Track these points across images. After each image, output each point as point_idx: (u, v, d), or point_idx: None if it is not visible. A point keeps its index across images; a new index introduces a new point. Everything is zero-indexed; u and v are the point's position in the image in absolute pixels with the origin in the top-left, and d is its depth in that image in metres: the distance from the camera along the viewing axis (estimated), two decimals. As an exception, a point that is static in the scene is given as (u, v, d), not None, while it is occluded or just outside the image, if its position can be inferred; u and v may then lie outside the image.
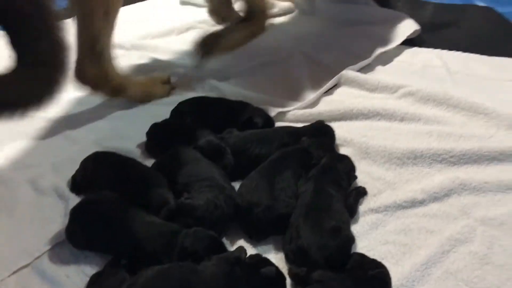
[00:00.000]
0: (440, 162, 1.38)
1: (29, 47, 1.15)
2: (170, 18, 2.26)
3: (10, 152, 1.50)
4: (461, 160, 1.38)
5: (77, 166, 1.37)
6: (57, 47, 1.17)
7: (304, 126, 1.48)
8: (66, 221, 1.21)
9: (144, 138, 1.50)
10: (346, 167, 1.31)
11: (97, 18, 1.53)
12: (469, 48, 1.89)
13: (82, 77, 1.59)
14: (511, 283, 1.09)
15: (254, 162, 1.33)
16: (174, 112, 1.57)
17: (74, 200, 1.30)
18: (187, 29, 2.19)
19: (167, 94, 1.76)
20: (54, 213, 1.28)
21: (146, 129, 1.51)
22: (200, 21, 2.24)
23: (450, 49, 1.92)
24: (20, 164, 1.46)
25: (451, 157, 1.39)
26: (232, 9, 2.15)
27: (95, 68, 1.59)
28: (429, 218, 1.23)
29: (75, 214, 1.17)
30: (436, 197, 1.28)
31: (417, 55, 1.92)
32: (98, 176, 1.31)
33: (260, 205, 1.19)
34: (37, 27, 1.15)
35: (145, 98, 1.73)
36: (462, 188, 1.30)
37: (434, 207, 1.26)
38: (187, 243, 1.10)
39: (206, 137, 1.39)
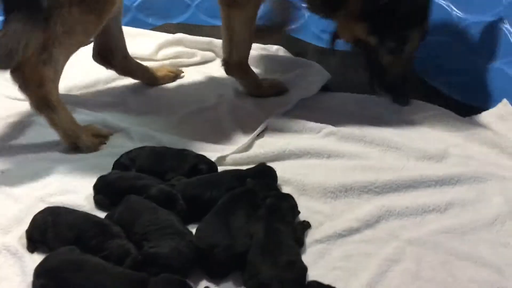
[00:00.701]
0: (367, 192, 1.57)
1: None
2: (94, 69, 2.25)
3: None
4: (384, 190, 1.58)
5: (25, 225, 1.38)
6: None
7: (248, 169, 1.59)
8: (26, 279, 1.22)
9: (90, 191, 1.53)
10: (289, 204, 1.45)
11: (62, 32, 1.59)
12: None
13: (19, 69, 1.59)
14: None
15: (205, 206, 1.42)
16: (118, 163, 1.61)
17: (30, 257, 1.31)
18: (113, 79, 2.22)
19: (94, 147, 1.75)
20: (10, 272, 1.27)
21: (91, 181, 1.54)
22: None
23: (358, 92, 2.15)
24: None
25: (375, 187, 1.58)
26: None
27: (37, 69, 1.60)
28: (366, 243, 1.40)
29: (40, 273, 1.18)
30: (368, 224, 1.46)
31: (332, 98, 2.12)
32: (54, 232, 1.32)
33: (219, 246, 1.27)
34: None
35: (67, 134, 1.71)
36: (389, 214, 1.49)
37: (368, 233, 1.43)
38: (159, 289, 1.16)
39: (157, 186, 1.46)
